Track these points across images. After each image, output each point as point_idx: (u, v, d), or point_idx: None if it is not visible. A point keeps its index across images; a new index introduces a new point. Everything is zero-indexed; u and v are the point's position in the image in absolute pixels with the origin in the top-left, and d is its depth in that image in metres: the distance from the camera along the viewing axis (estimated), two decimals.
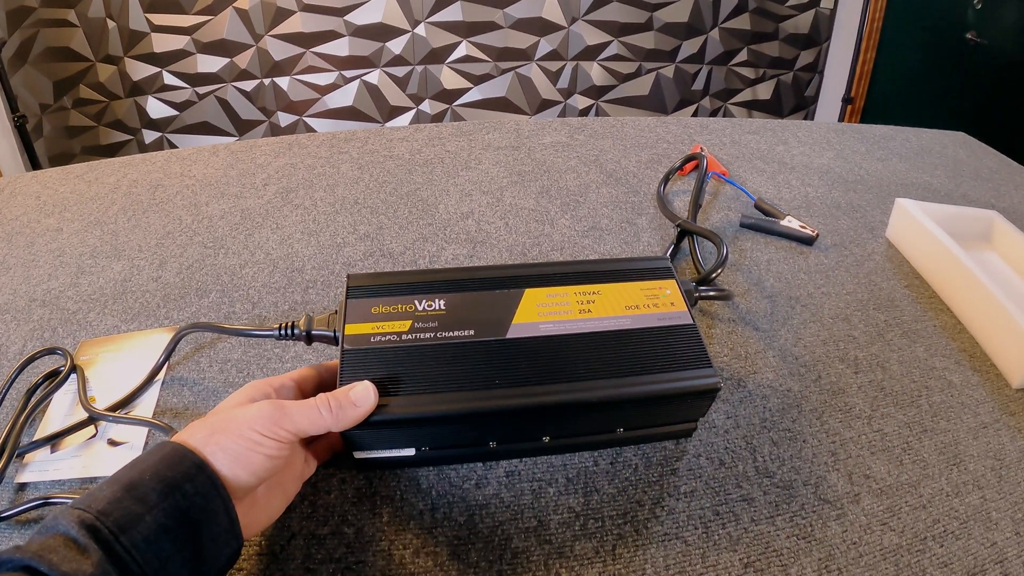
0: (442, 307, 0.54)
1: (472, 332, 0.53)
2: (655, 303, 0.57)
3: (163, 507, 0.39)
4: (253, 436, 0.43)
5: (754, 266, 0.82)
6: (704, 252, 0.82)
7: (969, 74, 2.65)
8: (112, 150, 2.90)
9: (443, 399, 0.48)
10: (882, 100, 3.08)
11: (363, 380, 0.48)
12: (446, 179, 0.97)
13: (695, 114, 3.32)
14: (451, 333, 0.53)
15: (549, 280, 0.58)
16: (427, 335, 0.52)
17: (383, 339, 0.52)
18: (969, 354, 0.71)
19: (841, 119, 3.11)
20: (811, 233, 0.86)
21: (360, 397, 0.47)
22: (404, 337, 0.52)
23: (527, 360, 0.51)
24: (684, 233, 0.83)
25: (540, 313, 0.55)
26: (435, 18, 2.90)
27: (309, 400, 0.46)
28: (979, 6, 2.53)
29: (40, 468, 0.57)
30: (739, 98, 3.34)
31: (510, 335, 0.53)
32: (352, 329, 0.52)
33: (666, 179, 0.95)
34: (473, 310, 0.54)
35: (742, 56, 3.24)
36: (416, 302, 0.55)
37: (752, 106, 3.36)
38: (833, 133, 1.17)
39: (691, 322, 0.55)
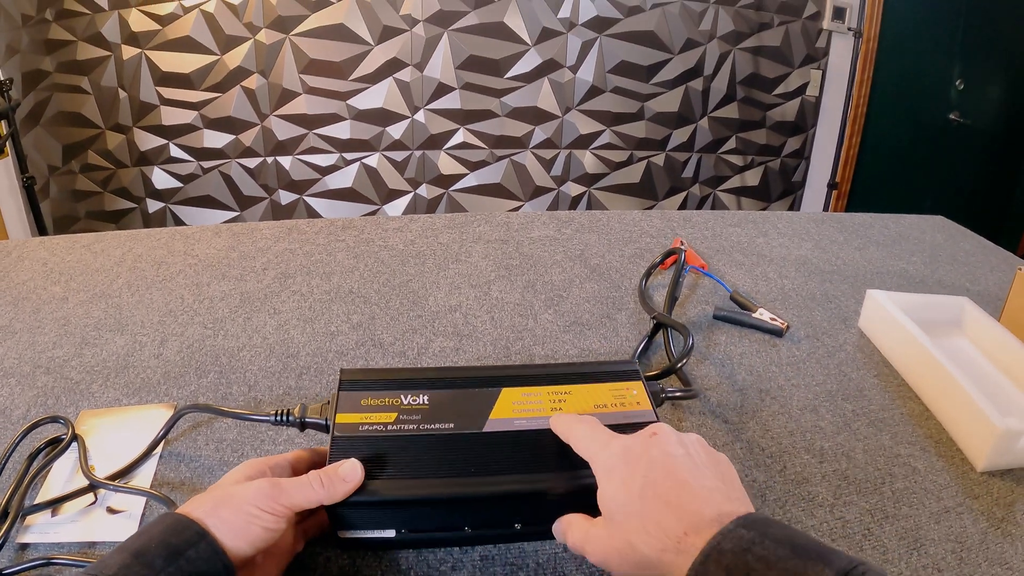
0: (425, 402, 0.59)
1: (452, 425, 0.57)
2: (622, 402, 0.60)
3: (169, 571, 0.42)
4: (252, 510, 0.47)
5: (727, 359, 0.84)
6: (677, 344, 0.84)
7: (953, 153, 2.68)
8: (116, 216, 2.95)
9: (422, 484, 0.52)
10: (867, 183, 3.13)
11: (351, 458, 0.52)
12: (437, 271, 1.01)
13: (685, 201, 3.38)
14: (433, 425, 0.57)
15: (525, 381, 0.62)
16: (411, 426, 0.56)
17: (370, 428, 0.56)
18: (935, 440, 0.73)
19: (827, 204, 3.17)
20: (780, 325, 0.88)
21: (348, 473, 0.51)
22: (389, 427, 0.56)
23: (501, 451, 0.55)
24: (659, 326, 0.86)
25: (515, 410, 0.59)
26: (434, 105, 2.99)
27: (302, 477, 0.50)
28: (961, 87, 2.59)
29: (41, 531, 0.60)
30: (728, 185, 3.41)
31: (487, 428, 0.57)
32: (342, 418, 0.57)
33: (647, 274, 0.99)
34: (454, 406, 0.59)
35: (731, 144, 3.32)
36: (402, 396, 0.59)
37: (741, 192, 3.43)
38: (813, 224, 1.21)
39: (655, 419, 0.59)
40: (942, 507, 0.64)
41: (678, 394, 0.69)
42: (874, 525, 0.62)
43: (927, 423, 0.76)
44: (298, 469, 0.56)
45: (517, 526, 0.58)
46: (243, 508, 0.47)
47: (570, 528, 0.51)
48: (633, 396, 0.61)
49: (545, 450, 0.55)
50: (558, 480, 0.53)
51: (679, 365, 0.75)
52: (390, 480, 0.52)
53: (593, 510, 0.52)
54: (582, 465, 0.53)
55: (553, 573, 0.57)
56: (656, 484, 0.45)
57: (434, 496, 0.52)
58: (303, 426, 0.60)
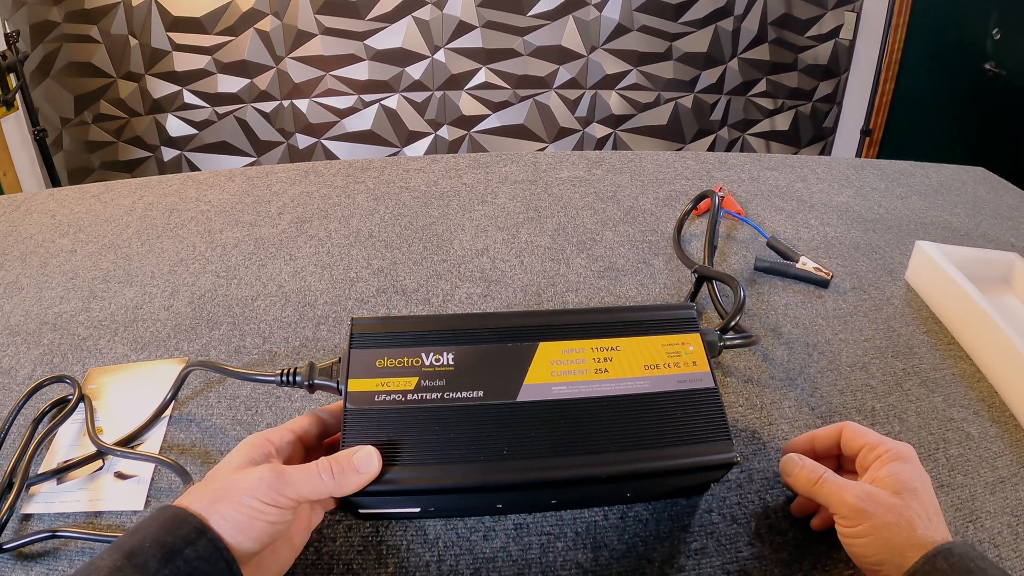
0: (450, 362, 0.52)
1: (481, 394, 0.50)
2: (676, 362, 0.54)
3: (164, 573, 0.38)
4: (254, 504, 0.42)
5: (771, 311, 0.80)
6: (724, 296, 0.80)
7: (987, 105, 2.64)
8: (131, 166, 2.93)
9: (448, 471, 0.47)
10: (900, 132, 3.06)
11: (366, 445, 0.47)
12: (462, 213, 0.97)
13: (713, 144, 3.31)
14: (459, 394, 0.50)
15: (565, 332, 0.55)
16: (434, 395, 0.50)
17: (387, 398, 0.50)
18: (988, 404, 0.70)
19: (859, 151, 3.09)
20: (825, 276, 0.84)
21: (363, 463, 0.45)
22: (410, 397, 0.50)
23: (538, 428, 0.49)
24: (702, 279, 0.81)
25: (554, 372, 0.52)
26: (455, 44, 2.92)
27: (310, 465, 0.45)
28: (998, 37, 2.53)
29: (46, 500, 0.56)
30: (757, 129, 3.33)
31: (521, 398, 0.50)
32: (356, 385, 0.50)
33: (680, 224, 0.94)
34: (483, 367, 0.52)
35: (761, 87, 3.23)
36: (423, 355, 0.52)
37: (770, 137, 3.35)
38: (852, 169, 1.16)
39: (712, 385, 0.53)
40: (997, 477, 0.62)
41: (738, 341, 0.64)
42: None
43: (979, 385, 0.72)
44: (307, 442, 0.51)
45: (553, 502, 0.53)
46: (244, 502, 0.42)
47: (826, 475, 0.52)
48: (689, 354, 0.55)
49: (588, 426, 0.50)
50: (599, 464, 0.48)
51: (733, 323, 0.70)
52: (409, 466, 0.47)
53: (641, 495, 0.50)
54: (626, 446, 0.48)
55: (592, 543, 0.54)
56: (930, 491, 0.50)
57: (460, 485, 0.47)
58: (312, 388, 0.54)
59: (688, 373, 0.53)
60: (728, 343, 0.62)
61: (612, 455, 0.48)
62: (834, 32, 3.14)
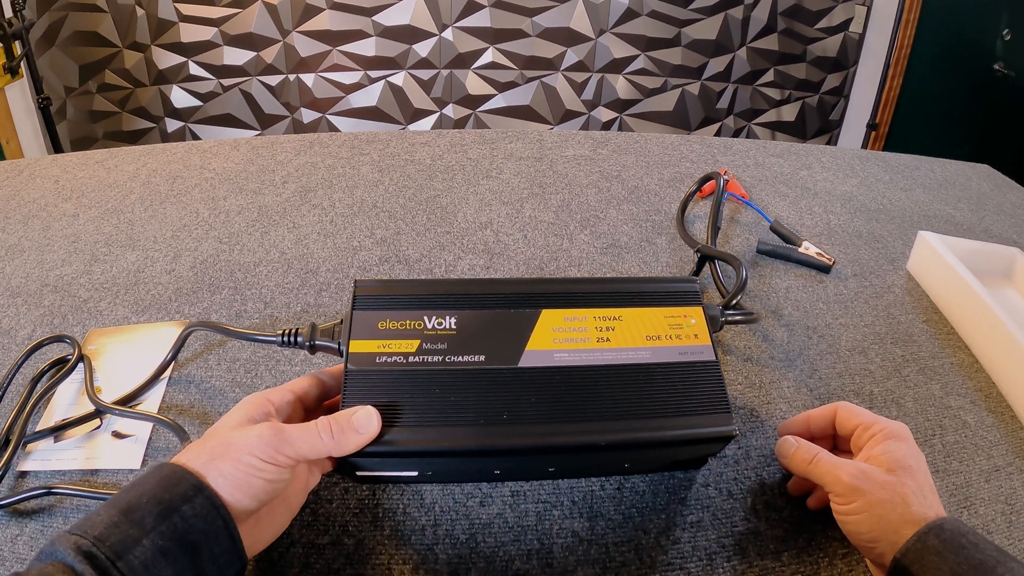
0: (452, 326, 0.52)
1: (483, 358, 0.50)
2: (678, 334, 0.54)
3: (160, 530, 0.38)
4: (252, 462, 0.42)
5: (772, 293, 0.81)
6: (725, 276, 0.80)
7: (995, 105, 2.63)
8: (135, 137, 2.92)
9: (447, 433, 0.46)
10: (906, 128, 3.05)
11: (366, 405, 0.46)
12: (466, 187, 0.97)
13: (718, 132, 3.30)
14: (460, 358, 0.50)
15: (568, 301, 0.54)
16: (435, 358, 0.50)
17: (389, 359, 0.49)
18: (985, 394, 0.70)
19: (865, 145, 3.08)
20: (827, 261, 0.85)
21: (362, 423, 0.45)
22: (411, 359, 0.50)
23: (538, 394, 0.49)
24: (704, 258, 0.81)
25: (556, 340, 0.52)
26: (463, 23, 2.90)
27: (309, 424, 0.45)
28: (1008, 37, 2.51)
29: (43, 457, 0.57)
30: (763, 119, 3.32)
31: (522, 364, 0.50)
32: (357, 346, 0.50)
33: (684, 204, 0.94)
34: (485, 332, 0.52)
35: (768, 76, 3.22)
36: (425, 318, 0.52)
37: (776, 127, 3.34)
38: (857, 160, 1.16)
39: (713, 358, 0.53)
40: (992, 465, 0.62)
41: (738, 317, 0.65)
42: None
43: (977, 375, 0.73)
44: (307, 403, 0.51)
45: (551, 470, 0.53)
46: (243, 459, 0.42)
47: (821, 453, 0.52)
48: (691, 326, 0.55)
49: (589, 393, 0.49)
50: (597, 431, 0.48)
51: (734, 301, 0.70)
52: (409, 428, 0.46)
53: (639, 466, 0.51)
54: (625, 415, 0.48)
55: (589, 512, 0.54)
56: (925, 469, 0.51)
57: (458, 448, 0.47)
58: (313, 349, 0.54)
59: (690, 345, 0.53)
60: (729, 319, 0.62)
61: (611, 423, 0.48)
62: (844, 25, 3.13)
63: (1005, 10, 2.53)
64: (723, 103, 3.25)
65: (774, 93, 3.26)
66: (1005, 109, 2.58)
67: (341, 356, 0.51)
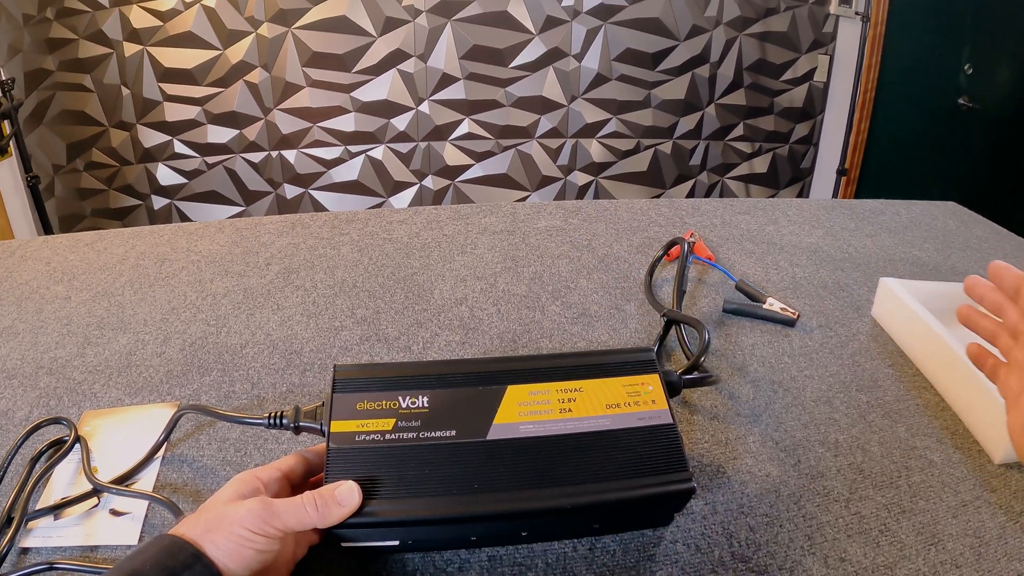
0: (425, 404, 0.55)
1: (454, 433, 0.54)
2: (636, 400, 0.57)
3: None
4: (244, 533, 0.45)
5: (738, 351, 0.83)
6: (691, 339, 0.83)
7: (962, 138, 2.67)
8: (122, 214, 2.95)
9: (423, 504, 0.50)
10: (877, 169, 3.10)
11: (348, 480, 0.50)
12: (442, 264, 1.00)
13: (692, 189, 3.36)
14: (433, 433, 0.53)
15: (532, 376, 0.58)
16: (410, 434, 0.53)
17: (367, 437, 0.53)
18: (951, 432, 0.71)
19: (836, 190, 3.15)
20: (792, 315, 0.87)
21: (344, 496, 0.49)
22: (388, 436, 0.53)
23: (506, 463, 0.52)
24: (671, 323, 0.85)
25: (521, 413, 0.55)
26: (438, 96, 2.98)
27: (296, 498, 0.48)
28: (970, 71, 2.57)
29: (43, 534, 0.59)
30: (736, 172, 3.39)
31: (491, 436, 0.54)
32: (338, 426, 0.53)
33: (652, 268, 0.97)
34: (455, 408, 0.55)
35: (738, 131, 3.30)
36: (400, 398, 0.55)
37: (749, 179, 3.41)
38: (823, 211, 1.19)
39: (671, 422, 0.56)
40: (960, 501, 0.63)
41: (697, 380, 0.67)
42: (891, 520, 0.61)
43: (943, 414, 0.74)
44: (293, 479, 0.54)
45: (524, 534, 0.56)
46: (235, 531, 0.45)
47: None
48: (648, 393, 0.58)
49: (553, 460, 0.53)
50: (563, 495, 0.51)
51: (698, 364, 0.73)
52: (388, 499, 0.50)
53: (608, 526, 0.53)
54: (589, 479, 0.51)
55: (563, 573, 0.56)
56: None
57: (434, 517, 0.50)
58: (298, 430, 0.58)
59: (647, 411, 0.57)
60: (688, 382, 0.65)
61: (576, 487, 0.51)
62: (808, 75, 3.22)
63: (966, 45, 2.60)
64: (696, 160, 3.31)
65: (745, 147, 3.33)
66: (973, 141, 2.63)
67: (324, 436, 0.54)
